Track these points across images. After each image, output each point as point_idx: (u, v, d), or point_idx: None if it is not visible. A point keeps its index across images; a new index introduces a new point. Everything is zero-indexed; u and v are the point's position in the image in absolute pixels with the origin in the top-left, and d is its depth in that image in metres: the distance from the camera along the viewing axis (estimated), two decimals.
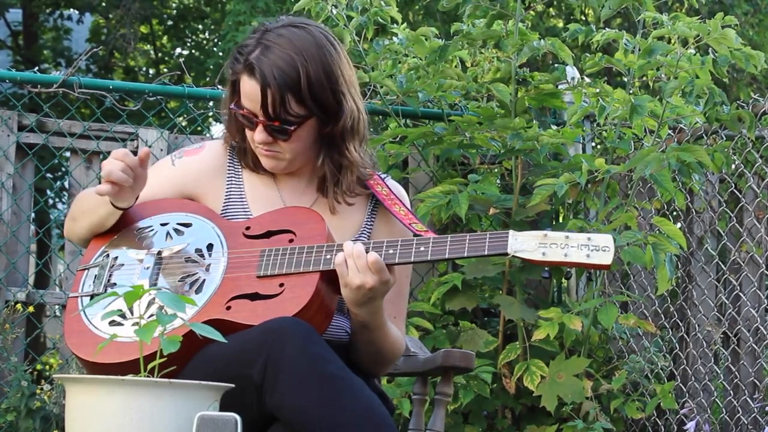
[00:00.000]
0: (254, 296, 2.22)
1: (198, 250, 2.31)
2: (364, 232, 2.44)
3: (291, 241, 2.28)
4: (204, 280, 2.27)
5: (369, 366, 2.41)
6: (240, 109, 2.34)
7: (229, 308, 2.21)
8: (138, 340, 2.07)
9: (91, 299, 2.30)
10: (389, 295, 2.29)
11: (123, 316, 2.21)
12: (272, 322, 2.11)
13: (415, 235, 2.33)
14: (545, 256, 2.10)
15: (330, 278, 2.23)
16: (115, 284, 2.30)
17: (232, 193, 2.43)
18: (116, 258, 2.34)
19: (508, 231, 2.15)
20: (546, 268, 2.16)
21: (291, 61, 2.28)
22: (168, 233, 2.36)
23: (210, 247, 2.32)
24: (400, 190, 2.52)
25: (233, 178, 2.44)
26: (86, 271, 2.37)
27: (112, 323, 2.22)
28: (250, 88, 2.30)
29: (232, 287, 2.24)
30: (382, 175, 2.50)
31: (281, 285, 2.22)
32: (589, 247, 2.08)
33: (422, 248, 2.20)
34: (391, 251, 2.21)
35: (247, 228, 2.33)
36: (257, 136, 2.33)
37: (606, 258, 2.08)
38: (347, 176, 2.41)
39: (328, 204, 2.42)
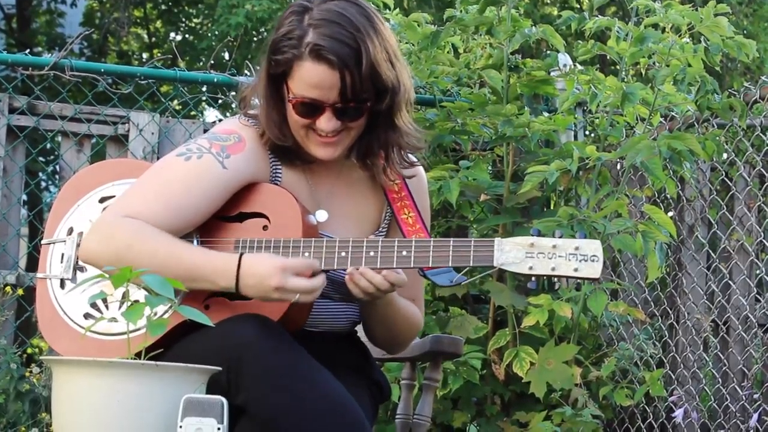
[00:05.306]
0: (232, 294, 2.12)
1: None
2: (381, 233, 2.37)
3: (265, 227, 2.17)
4: None
5: (384, 344, 2.39)
6: (298, 99, 2.16)
7: (207, 307, 2.14)
8: (115, 339, 2.07)
9: (61, 283, 2.23)
10: (408, 280, 2.23)
11: (95, 306, 2.15)
12: (233, 324, 2.07)
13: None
14: (532, 269, 2.07)
15: None
16: (83, 268, 2.22)
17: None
18: (81, 234, 2.23)
19: (494, 239, 2.09)
20: (533, 279, 2.09)
21: (353, 38, 2.12)
22: None
23: None
24: (421, 186, 2.41)
25: (273, 171, 2.28)
26: (52, 246, 2.27)
27: (87, 316, 2.16)
28: (317, 74, 2.12)
29: None
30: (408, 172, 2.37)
31: None
32: (577, 257, 2.05)
33: (404, 252, 2.11)
34: (371, 254, 2.12)
35: None
36: (327, 125, 2.17)
37: (594, 270, 2.04)
38: (394, 150, 2.29)
39: (363, 179, 2.32)
